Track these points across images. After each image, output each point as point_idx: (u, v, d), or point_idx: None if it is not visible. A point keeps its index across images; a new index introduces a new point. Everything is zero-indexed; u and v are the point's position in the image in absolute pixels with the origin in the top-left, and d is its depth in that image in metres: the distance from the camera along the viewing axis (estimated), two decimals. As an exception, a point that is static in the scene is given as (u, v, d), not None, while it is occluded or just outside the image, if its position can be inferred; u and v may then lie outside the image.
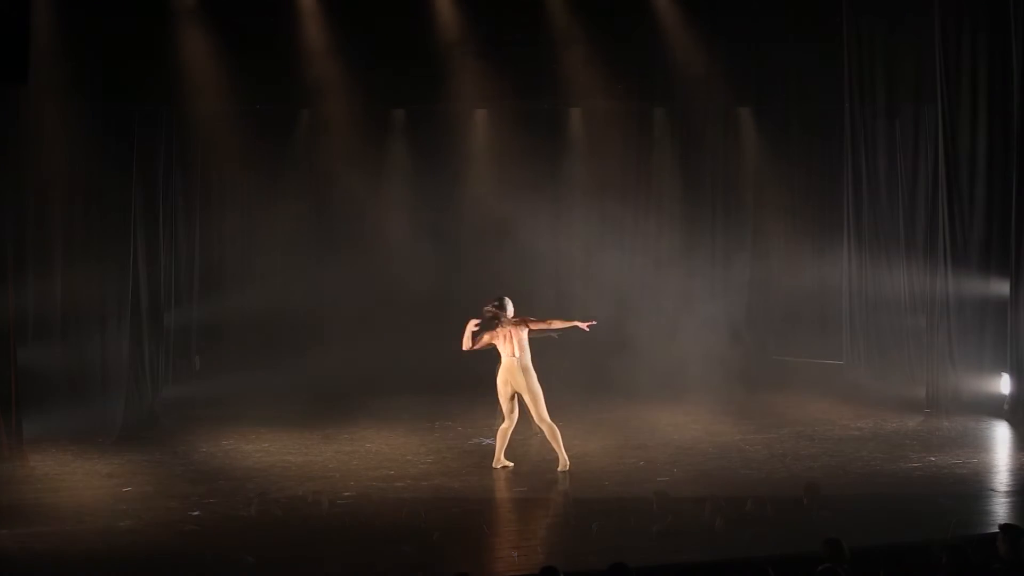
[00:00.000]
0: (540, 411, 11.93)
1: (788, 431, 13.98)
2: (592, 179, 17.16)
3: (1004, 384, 14.81)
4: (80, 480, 11.90)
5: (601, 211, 17.03)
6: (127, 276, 15.12)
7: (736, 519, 10.37)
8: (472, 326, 11.96)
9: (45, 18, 14.41)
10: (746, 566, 7.66)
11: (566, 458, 12.04)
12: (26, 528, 10.16)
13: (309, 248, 16.26)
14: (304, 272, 16.13)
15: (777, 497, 11.11)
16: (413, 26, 16.22)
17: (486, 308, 11.96)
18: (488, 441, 13.04)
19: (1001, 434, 14.10)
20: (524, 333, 11.92)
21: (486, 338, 12.01)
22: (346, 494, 11.35)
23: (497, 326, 11.95)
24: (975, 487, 11.65)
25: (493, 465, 12.21)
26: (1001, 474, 12.50)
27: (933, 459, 12.60)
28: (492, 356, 12.08)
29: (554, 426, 11.99)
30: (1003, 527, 8.04)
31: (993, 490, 11.56)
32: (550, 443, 12.04)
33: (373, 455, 13.01)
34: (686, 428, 14.15)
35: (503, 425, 12.13)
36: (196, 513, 10.71)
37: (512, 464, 12.22)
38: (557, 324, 12.02)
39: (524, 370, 11.88)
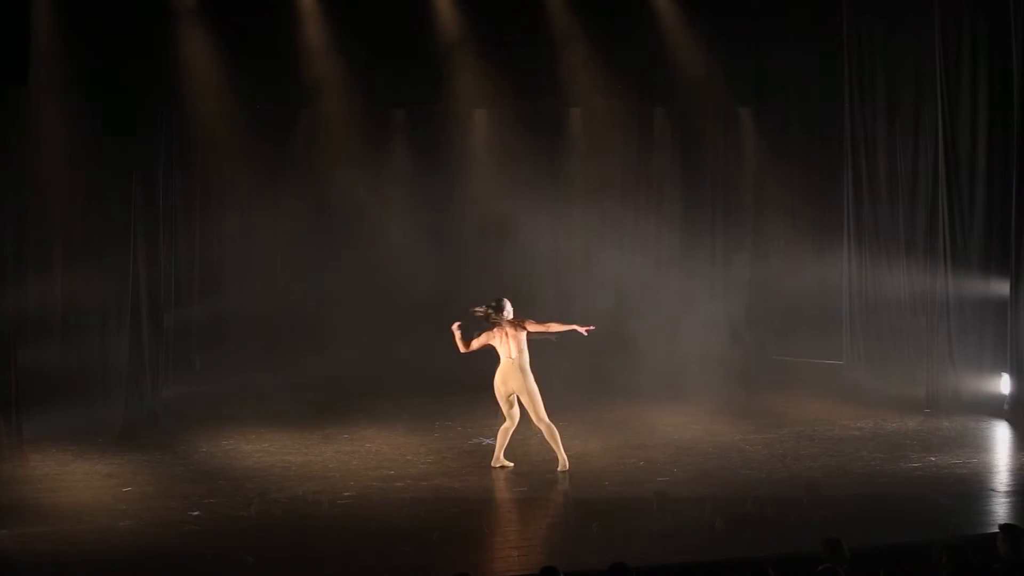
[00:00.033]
0: (538, 411, 11.93)
1: (788, 431, 13.98)
2: (592, 179, 17.15)
3: (1004, 384, 14.81)
4: (80, 480, 11.90)
5: (601, 211, 17.03)
6: (127, 276, 15.12)
7: (736, 519, 10.37)
8: (456, 329, 11.98)
9: (45, 18, 14.42)
10: (746, 566, 7.66)
11: (565, 458, 12.05)
12: (26, 528, 10.16)
13: (309, 248, 16.25)
14: (304, 272, 16.13)
15: (777, 497, 11.12)
16: (413, 26, 16.21)
17: (473, 309, 11.96)
18: (488, 441, 13.04)
19: (1001, 434, 14.10)
20: (523, 335, 11.92)
21: (483, 339, 12.01)
22: (346, 494, 11.35)
23: (493, 327, 11.95)
24: (975, 487, 11.65)
25: (493, 465, 12.21)
26: (1001, 474, 12.51)
27: (933, 459, 12.61)
28: (492, 356, 12.07)
29: (552, 426, 11.99)
30: (1003, 527, 8.04)
31: (993, 490, 11.57)
32: (549, 443, 12.04)
33: (373, 455, 13.01)
34: (686, 428, 14.15)
35: (504, 425, 12.13)
36: (196, 513, 10.71)
37: (512, 464, 12.22)
38: (555, 327, 12.02)
39: (521, 371, 11.87)
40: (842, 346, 16.97)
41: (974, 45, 15.23)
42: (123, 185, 15.29)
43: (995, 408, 14.77)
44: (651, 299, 16.79)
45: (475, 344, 12.03)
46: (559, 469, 12.01)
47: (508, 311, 11.99)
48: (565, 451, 12.13)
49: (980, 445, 13.57)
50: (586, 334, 11.99)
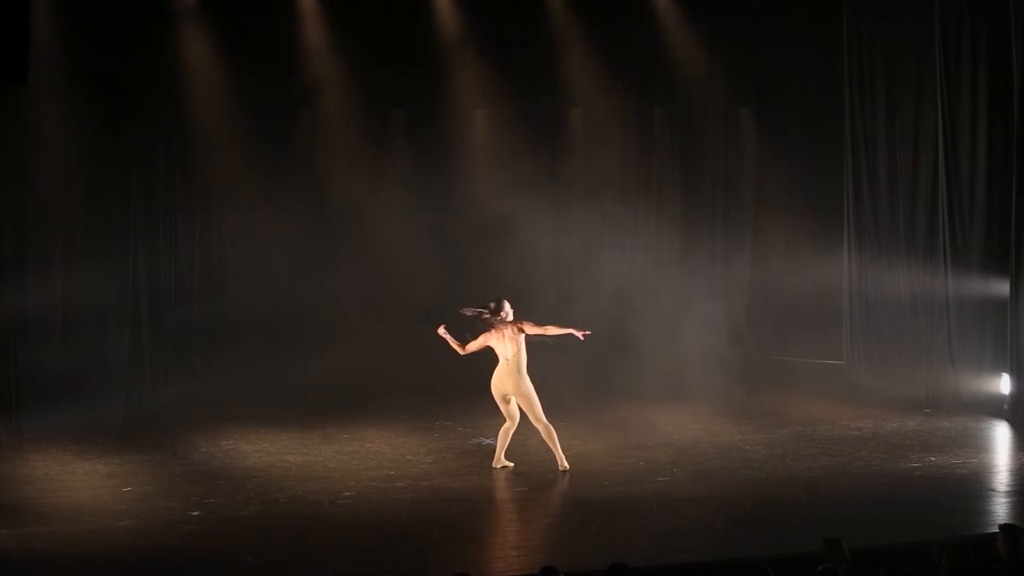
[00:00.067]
0: (536, 412, 11.93)
1: (788, 431, 13.98)
2: (592, 179, 17.14)
3: (1004, 384, 14.81)
4: (80, 480, 11.90)
5: (601, 211, 17.02)
6: (127, 276, 15.13)
7: (737, 519, 10.37)
8: (443, 333, 11.99)
9: (45, 18, 14.43)
10: (746, 566, 7.66)
11: (564, 458, 12.05)
12: (26, 528, 10.17)
13: (309, 248, 16.24)
14: (304, 272, 16.12)
15: (777, 497, 11.13)
16: (413, 26, 16.21)
17: (463, 309, 11.98)
18: (488, 441, 13.05)
19: (1001, 434, 14.10)
20: (521, 336, 11.92)
21: (481, 340, 12.01)
22: (346, 494, 11.35)
23: (491, 328, 11.95)
24: (975, 487, 11.66)
25: (493, 465, 12.22)
26: (1001, 474, 12.52)
27: (933, 459, 12.61)
28: (493, 357, 12.07)
29: (550, 427, 11.99)
30: (1003, 527, 8.04)
31: (993, 490, 11.57)
32: (547, 444, 12.04)
33: (373, 455, 13.01)
34: (686, 428, 14.15)
35: (504, 426, 12.14)
36: (196, 513, 10.71)
37: (512, 464, 12.22)
38: (553, 330, 12.01)
39: (517, 373, 11.87)
40: (842, 346, 16.96)
41: (974, 45, 15.23)
42: (123, 185, 15.31)
43: (995, 408, 14.77)
44: (651, 299, 16.78)
45: (473, 346, 12.04)
46: (560, 469, 12.01)
47: (507, 312, 12.00)
48: (565, 451, 12.13)
49: (980, 445, 13.57)
50: (583, 338, 11.99)
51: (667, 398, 15.32)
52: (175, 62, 15.48)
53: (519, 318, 12.03)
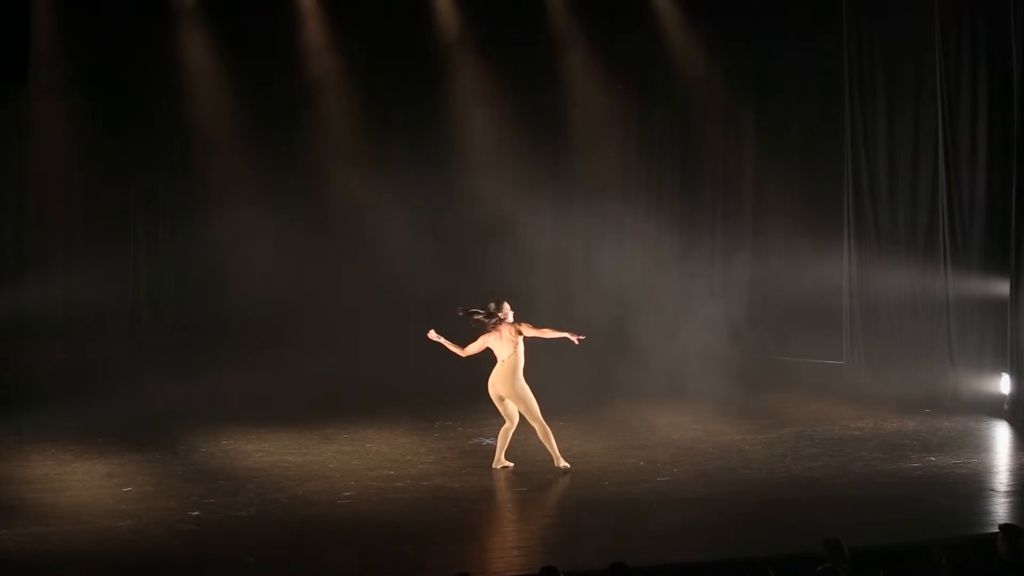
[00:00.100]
0: (532, 412, 11.93)
1: (788, 431, 13.98)
2: (592, 179, 17.14)
3: (1004, 384, 14.81)
4: (80, 480, 11.90)
5: (601, 211, 17.02)
6: (127, 276, 15.13)
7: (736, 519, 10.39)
8: (434, 336, 12.00)
9: (45, 18, 14.43)
10: (746, 566, 7.66)
11: (560, 457, 12.04)
12: (26, 528, 10.17)
13: (309, 248, 16.23)
14: (304, 271, 16.11)
15: (777, 497, 11.13)
16: (413, 26, 16.20)
17: (459, 310, 11.99)
18: (488, 441, 13.05)
19: (1001, 434, 14.10)
20: (519, 339, 11.92)
21: (481, 342, 12.03)
22: (346, 494, 11.35)
23: (488, 329, 11.95)
24: (975, 487, 11.65)
25: (493, 465, 12.22)
26: (1001, 474, 12.52)
27: (933, 459, 12.61)
28: (493, 357, 12.08)
29: (547, 427, 11.99)
30: (1003, 527, 8.04)
31: (993, 490, 11.57)
32: (543, 444, 12.04)
33: (373, 455, 13.01)
34: (686, 428, 14.15)
35: (504, 426, 12.14)
36: (196, 513, 10.71)
37: (512, 464, 12.22)
38: (549, 333, 12.02)
39: (512, 375, 11.87)
40: (842, 346, 16.96)
41: (974, 45, 15.24)
42: (123, 185, 15.31)
43: (995, 408, 14.78)
44: (651, 299, 16.77)
45: (473, 348, 12.05)
46: (560, 467, 12.01)
47: (507, 313, 12.00)
48: (565, 451, 12.13)
49: (980, 445, 13.57)
50: (577, 343, 12.00)
51: (667, 398, 15.32)
52: (175, 62, 15.47)
53: (518, 319, 12.03)
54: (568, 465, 12.10)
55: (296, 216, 15.91)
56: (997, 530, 8.12)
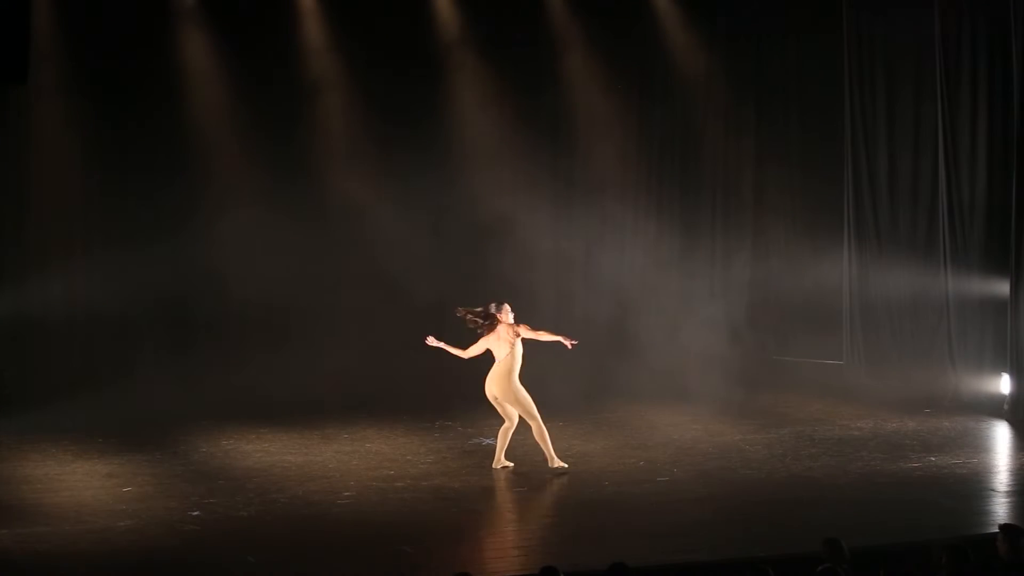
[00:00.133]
0: (529, 410, 11.94)
1: (788, 431, 13.98)
2: (592, 179, 17.14)
3: (1004, 384, 14.82)
4: (80, 480, 11.89)
5: (601, 211, 17.02)
6: (128, 276, 15.12)
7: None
8: (433, 342, 12.01)
9: (45, 18, 14.44)
10: (746, 566, 7.67)
11: (555, 458, 12.04)
12: (26, 528, 10.17)
13: (309, 248, 16.23)
14: (303, 272, 16.11)
15: (777, 497, 11.13)
16: (413, 26, 16.20)
17: (458, 310, 12.01)
18: (488, 441, 13.05)
19: (1001, 434, 14.11)
20: (517, 340, 11.92)
21: (481, 343, 12.04)
22: (346, 494, 11.35)
23: (488, 330, 11.95)
24: (975, 487, 11.66)
25: (493, 465, 12.22)
26: (1001, 474, 12.52)
27: (933, 459, 12.61)
28: (494, 357, 12.09)
29: (543, 426, 11.99)
30: (1003, 527, 8.04)
31: (993, 490, 11.57)
32: (538, 443, 12.04)
33: (373, 455, 13.01)
34: (686, 428, 14.15)
35: (504, 426, 12.14)
36: (196, 513, 10.71)
37: (512, 464, 12.22)
38: (545, 336, 12.04)
39: (505, 376, 11.87)
40: (842, 346, 16.96)
41: (974, 45, 15.24)
42: (123, 185, 15.31)
43: (995, 408, 14.78)
44: (651, 299, 16.78)
45: (475, 349, 12.06)
46: (554, 467, 11.99)
47: (507, 314, 12.00)
48: (565, 451, 12.14)
49: (980, 445, 13.57)
50: (571, 347, 12.01)
51: (667, 398, 15.32)
52: (175, 62, 15.48)
53: (518, 320, 12.03)
54: (565, 465, 12.09)
55: (296, 216, 15.90)
56: (997, 530, 8.12)
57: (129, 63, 15.13)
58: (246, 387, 15.00)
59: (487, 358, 12.09)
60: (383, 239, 16.12)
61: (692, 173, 17.46)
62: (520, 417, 12.03)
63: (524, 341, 12.00)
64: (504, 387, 11.87)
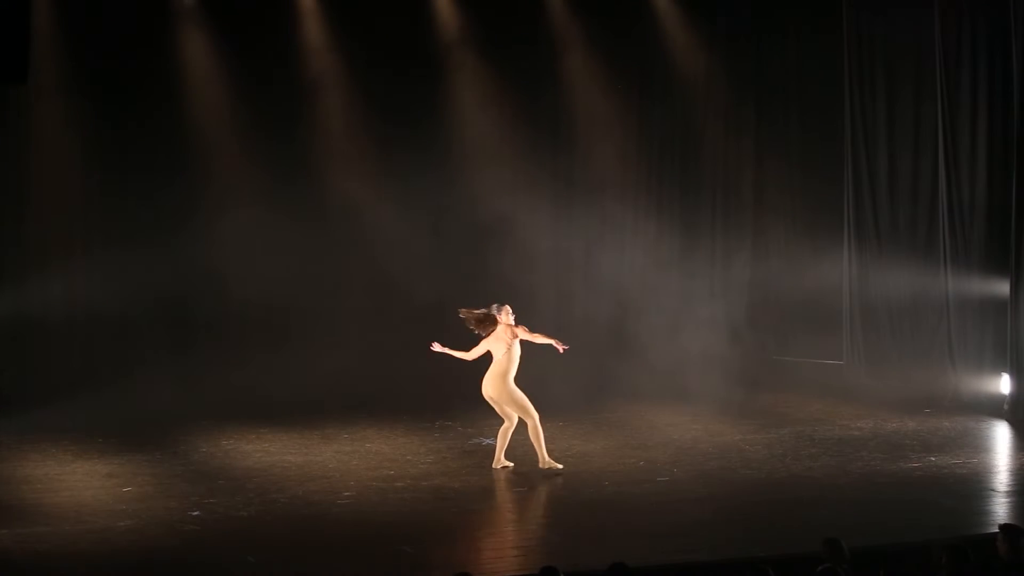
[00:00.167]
0: (525, 409, 11.94)
1: (788, 431, 13.98)
2: (592, 178, 17.14)
3: (1004, 384, 14.82)
4: (80, 480, 11.89)
5: (601, 211, 17.02)
6: (127, 276, 15.12)
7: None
8: (438, 348, 12.02)
9: (45, 18, 14.44)
10: (746, 566, 7.67)
11: (546, 458, 12.03)
12: (26, 528, 10.17)
13: (309, 248, 16.23)
14: (303, 272, 16.11)
15: (777, 497, 11.13)
16: (413, 26, 16.21)
17: (460, 311, 12.02)
18: (488, 441, 13.05)
19: (1001, 434, 14.11)
20: (515, 341, 11.93)
21: (482, 344, 12.05)
22: (346, 494, 11.35)
23: (487, 330, 11.96)
24: (975, 487, 11.66)
25: (493, 465, 12.22)
26: (1001, 474, 12.52)
27: (933, 459, 12.61)
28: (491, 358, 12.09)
29: (539, 426, 11.98)
30: (1003, 527, 8.04)
31: (993, 490, 11.57)
32: (532, 441, 12.03)
33: (373, 455, 13.01)
34: (686, 428, 14.15)
35: (504, 426, 12.14)
36: (196, 513, 10.71)
37: (512, 464, 12.22)
38: (539, 339, 12.05)
39: (500, 376, 11.87)
40: (842, 346, 16.97)
41: (974, 45, 15.24)
42: (123, 185, 15.31)
43: (995, 408, 14.78)
44: (651, 299, 16.77)
45: (477, 351, 12.08)
46: (544, 467, 11.97)
47: (507, 315, 12.00)
48: (565, 451, 12.14)
49: (980, 445, 13.58)
50: (562, 351, 12.03)
51: (667, 398, 15.31)
52: (175, 62, 15.48)
53: (517, 322, 12.04)
54: (559, 466, 12.06)
55: (296, 216, 15.90)
56: (997, 530, 8.12)
57: (129, 63, 15.13)
58: (246, 387, 15.00)
59: (488, 359, 12.09)
60: (383, 239, 16.12)
61: (692, 173, 17.46)
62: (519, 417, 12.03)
63: (522, 343, 12.00)
64: (499, 388, 11.88)
